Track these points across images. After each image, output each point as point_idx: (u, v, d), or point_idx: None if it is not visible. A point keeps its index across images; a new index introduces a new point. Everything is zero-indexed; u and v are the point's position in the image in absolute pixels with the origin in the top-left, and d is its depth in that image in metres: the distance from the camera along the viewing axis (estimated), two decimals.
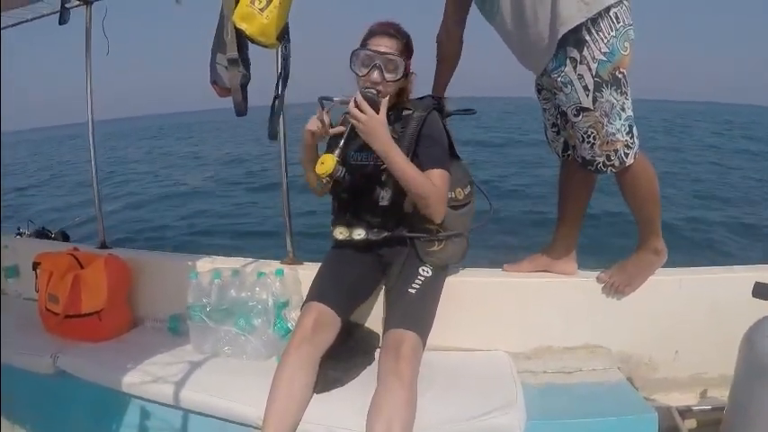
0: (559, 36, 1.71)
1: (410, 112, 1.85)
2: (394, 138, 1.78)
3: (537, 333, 2.06)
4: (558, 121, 2.00)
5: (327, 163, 1.74)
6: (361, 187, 1.87)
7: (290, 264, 2.26)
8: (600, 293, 2.04)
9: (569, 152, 2.02)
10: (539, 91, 2.03)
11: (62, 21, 2.63)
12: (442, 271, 1.92)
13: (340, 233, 1.91)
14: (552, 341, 2.06)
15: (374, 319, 2.07)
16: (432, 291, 1.85)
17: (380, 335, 1.97)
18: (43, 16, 2.75)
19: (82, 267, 2.34)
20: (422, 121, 1.81)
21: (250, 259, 2.36)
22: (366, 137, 1.70)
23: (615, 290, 2.01)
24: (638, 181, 1.86)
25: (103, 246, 2.65)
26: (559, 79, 1.76)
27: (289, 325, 2.02)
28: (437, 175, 1.76)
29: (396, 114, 1.87)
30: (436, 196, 1.75)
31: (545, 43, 1.76)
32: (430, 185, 1.73)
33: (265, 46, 1.95)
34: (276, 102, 2.12)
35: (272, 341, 1.99)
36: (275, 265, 2.26)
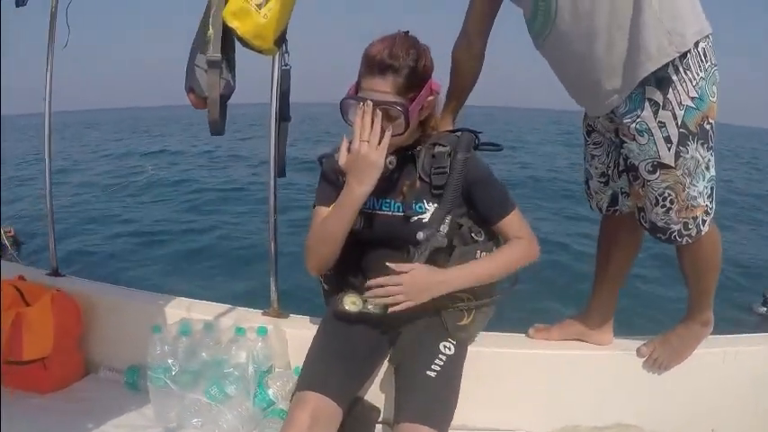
0: (644, 74, 1.42)
1: (445, 149, 1.52)
2: (425, 182, 1.51)
3: (564, 411, 1.83)
4: (610, 172, 1.72)
5: None
6: (380, 243, 1.57)
7: (274, 316, 1.97)
8: (638, 368, 1.82)
9: (617, 208, 1.75)
10: (588, 133, 1.75)
11: (19, 2, 2.31)
12: (464, 347, 1.64)
13: (352, 303, 1.55)
14: (581, 420, 1.83)
15: (374, 390, 1.79)
16: (454, 373, 1.56)
17: (381, 409, 1.76)
18: None
19: (27, 303, 2.02)
20: (467, 165, 1.50)
21: (227, 306, 2.07)
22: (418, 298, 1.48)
23: (658, 366, 1.79)
24: (704, 250, 1.62)
25: (56, 273, 2.32)
26: (633, 126, 1.48)
27: (271, 395, 1.74)
28: (516, 222, 1.56)
29: (426, 151, 1.54)
30: (529, 250, 1.57)
31: (618, 79, 1.46)
32: (519, 251, 1.56)
33: (260, 51, 1.65)
34: (279, 128, 1.83)
35: (251, 415, 1.72)
36: (256, 317, 1.97)
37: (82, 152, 20.18)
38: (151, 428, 1.75)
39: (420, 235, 1.46)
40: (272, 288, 2.00)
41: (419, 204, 1.52)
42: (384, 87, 1.39)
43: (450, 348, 1.57)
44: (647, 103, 1.45)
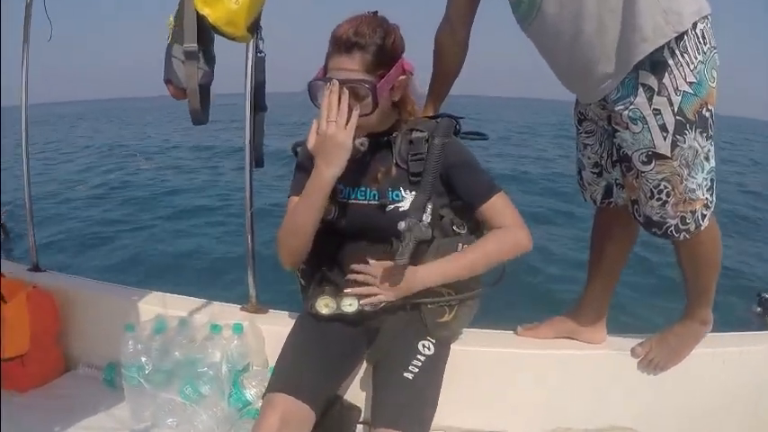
0: (640, 56, 1.30)
1: (423, 134, 1.44)
2: (401, 168, 1.44)
3: (554, 413, 1.75)
4: (604, 162, 1.62)
5: None
6: (356, 234, 1.49)
7: (252, 312, 1.91)
8: (633, 368, 1.73)
9: (611, 200, 1.65)
10: (579, 121, 1.64)
11: None
12: (446, 346, 1.56)
13: (325, 306, 1.50)
14: (573, 422, 1.74)
15: (354, 389, 1.72)
16: (433, 375, 1.48)
17: (361, 408, 1.67)
18: None
19: (4, 300, 1.98)
20: (445, 150, 1.42)
21: (204, 301, 2.01)
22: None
23: (654, 367, 1.70)
24: (704, 246, 1.51)
25: (36, 268, 2.29)
26: (626, 113, 1.37)
27: (248, 395, 1.68)
28: (501, 207, 1.45)
29: (403, 137, 1.46)
30: (517, 238, 1.45)
31: (610, 63, 1.36)
32: (504, 240, 1.44)
33: (233, 38, 1.59)
34: (255, 119, 1.76)
35: (227, 415, 1.66)
36: (234, 313, 1.92)
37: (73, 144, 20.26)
38: (126, 428, 1.71)
39: (401, 225, 1.36)
40: (250, 282, 1.94)
41: (396, 192, 1.45)
42: (350, 65, 1.33)
43: (429, 348, 1.49)
44: (640, 89, 1.34)
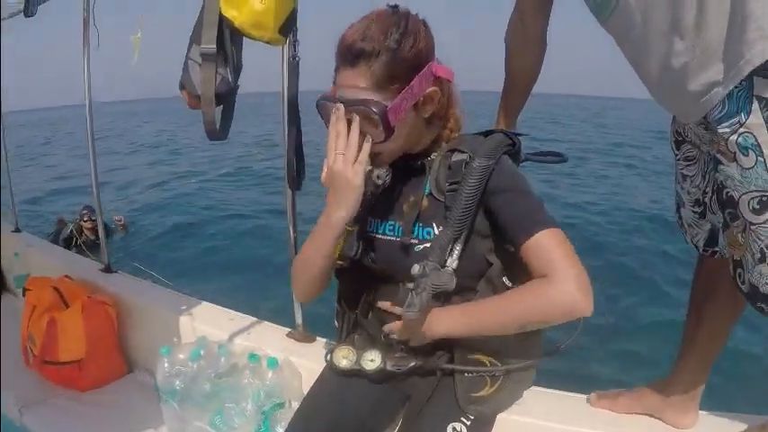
0: (761, 58, 0.92)
1: (463, 156, 1.10)
2: (437, 200, 1.13)
3: None
4: (707, 199, 1.25)
5: None
6: (382, 277, 1.22)
7: (298, 339, 1.78)
8: None
9: (716, 249, 1.29)
10: (677, 143, 1.28)
11: (28, 13, 2.46)
12: (485, 424, 1.24)
13: (343, 358, 1.26)
14: None
15: None
16: None
17: None
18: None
19: (66, 305, 2.05)
20: (487, 176, 1.06)
21: (253, 320, 1.92)
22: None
23: None
24: None
25: (107, 269, 2.32)
26: (734, 138, 0.99)
27: None
28: (548, 248, 1.01)
29: (442, 161, 1.15)
30: (559, 293, 0.99)
31: (715, 67, 0.99)
32: (538, 293, 1.02)
33: (266, 42, 1.40)
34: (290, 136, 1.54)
35: None
36: (280, 337, 1.80)
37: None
38: None
39: (415, 268, 1.05)
40: (296, 308, 1.79)
41: (427, 229, 1.13)
42: (356, 81, 1.03)
43: (461, 431, 1.18)
44: (755, 105, 0.94)
